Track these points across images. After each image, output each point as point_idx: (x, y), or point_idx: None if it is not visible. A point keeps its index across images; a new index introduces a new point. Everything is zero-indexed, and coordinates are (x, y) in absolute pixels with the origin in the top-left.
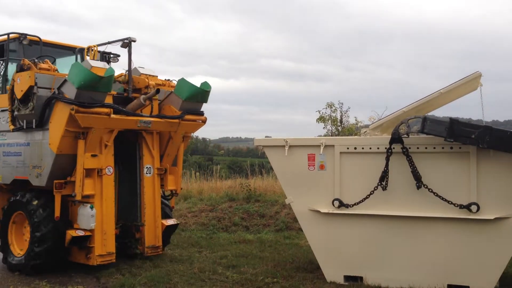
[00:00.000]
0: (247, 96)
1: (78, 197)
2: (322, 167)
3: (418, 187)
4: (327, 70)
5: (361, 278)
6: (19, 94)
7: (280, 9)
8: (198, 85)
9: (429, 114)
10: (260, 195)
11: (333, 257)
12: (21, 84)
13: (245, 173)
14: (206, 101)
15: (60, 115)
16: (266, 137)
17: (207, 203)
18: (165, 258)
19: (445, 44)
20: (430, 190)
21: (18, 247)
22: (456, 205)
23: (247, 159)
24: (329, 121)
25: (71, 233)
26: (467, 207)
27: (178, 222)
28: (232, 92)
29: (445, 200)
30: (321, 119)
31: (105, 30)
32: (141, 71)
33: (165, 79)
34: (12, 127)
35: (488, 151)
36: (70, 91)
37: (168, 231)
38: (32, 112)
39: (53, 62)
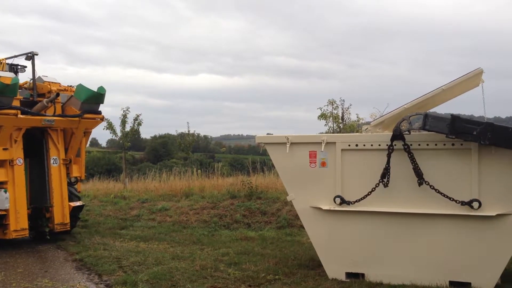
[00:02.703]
0: (250, 93)
1: None
2: (323, 164)
3: (420, 184)
4: (331, 67)
5: (362, 275)
6: None
7: (285, 7)
8: (95, 89)
9: (431, 110)
10: (261, 192)
11: (334, 254)
12: None
13: (247, 170)
14: (102, 102)
15: None
16: (267, 134)
17: (208, 200)
18: (166, 255)
19: (449, 41)
20: (432, 187)
21: None
22: (457, 201)
23: (248, 156)
24: (331, 118)
25: None
26: (469, 204)
27: (84, 204)
28: (235, 90)
29: (447, 197)
30: (323, 116)
31: (110, 28)
32: (45, 79)
33: (67, 85)
34: None
35: (489, 147)
36: None
37: (75, 211)
38: None
39: None
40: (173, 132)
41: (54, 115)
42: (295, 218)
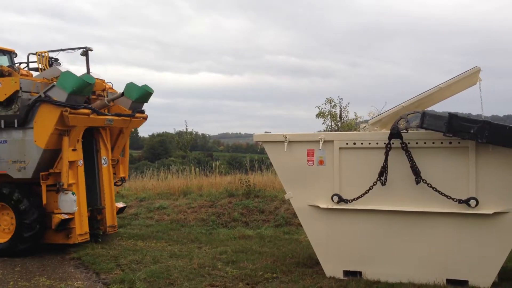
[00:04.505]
0: (250, 92)
1: (65, 186)
2: (321, 162)
3: (417, 182)
4: (332, 66)
5: (360, 273)
6: (1, 97)
7: (287, 6)
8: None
9: (428, 109)
10: (259, 190)
11: (332, 252)
12: (4, 88)
13: (245, 168)
14: (147, 102)
15: (48, 116)
16: (265, 132)
17: (206, 199)
18: (164, 254)
19: (449, 40)
20: (429, 185)
21: None
22: (455, 200)
23: (246, 155)
24: (329, 116)
25: (59, 216)
26: (466, 202)
27: (127, 205)
28: (235, 88)
29: (444, 195)
30: (321, 114)
31: (112, 27)
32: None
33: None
34: None
35: (487, 146)
36: (59, 95)
37: (118, 213)
38: (17, 113)
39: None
40: (171, 130)
41: (112, 114)
42: (293, 217)
